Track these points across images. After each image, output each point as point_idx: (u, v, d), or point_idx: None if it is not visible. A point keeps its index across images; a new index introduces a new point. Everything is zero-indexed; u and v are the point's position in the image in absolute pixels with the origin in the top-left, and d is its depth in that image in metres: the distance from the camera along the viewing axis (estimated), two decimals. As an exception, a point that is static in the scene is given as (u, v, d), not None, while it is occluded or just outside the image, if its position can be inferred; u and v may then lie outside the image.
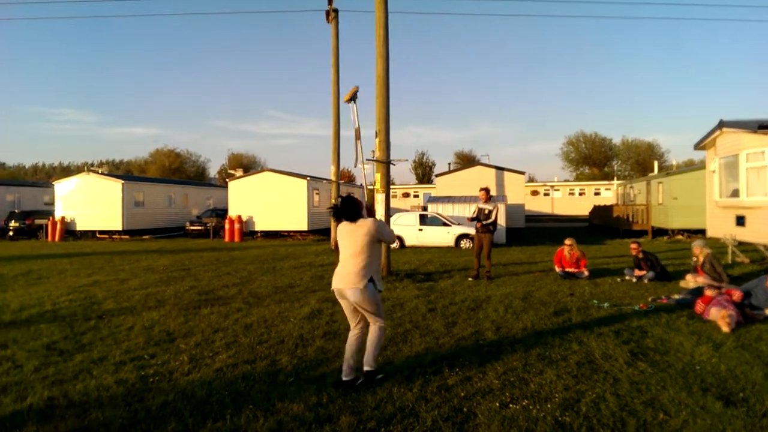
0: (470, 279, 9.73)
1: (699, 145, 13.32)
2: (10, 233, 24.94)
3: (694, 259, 9.21)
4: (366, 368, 4.23)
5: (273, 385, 4.21)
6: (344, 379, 4.15)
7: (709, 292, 6.59)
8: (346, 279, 4.15)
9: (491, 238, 10.02)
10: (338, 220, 4.34)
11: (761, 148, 10.47)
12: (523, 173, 24.05)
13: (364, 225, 4.19)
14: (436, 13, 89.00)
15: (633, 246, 10.08)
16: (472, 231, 17.46)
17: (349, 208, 4.25)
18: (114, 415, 3.64)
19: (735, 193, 11.54)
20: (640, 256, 9.81)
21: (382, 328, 4.30)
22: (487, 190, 10.18)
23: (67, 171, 68.84)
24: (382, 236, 4.24)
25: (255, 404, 3.81)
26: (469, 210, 19.37)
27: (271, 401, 3.87)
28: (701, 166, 18.57)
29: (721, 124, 11.80)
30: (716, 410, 3.60)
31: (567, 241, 10.23)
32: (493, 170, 23.57)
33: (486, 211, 9.95)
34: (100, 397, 3.99)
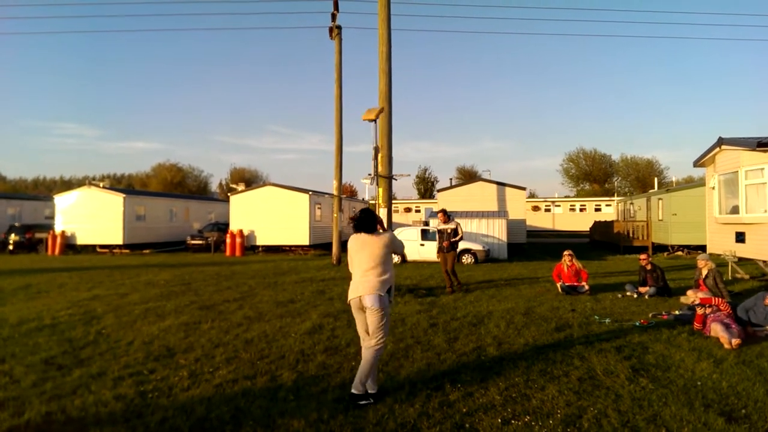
0: (449, 293, 9.98)
1: (698, 162, 13.40)
2: (10, 247, 24.94)
3: (697, 272, 9.22)
4: (352, 390, 4.12)
5: (273, 401, 4.18)
6: (353, 391, 4.12)
7: (699, 311, 6.56)
8: (366, 286, 4.17)
9: (455, 254, 10.57)
10: (356, 232, 4.40)
11: (760, 165, 10.54)
12: (524, 189, 24.11)
13: (383, 237, 4.32)
14: (438, 30, 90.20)
15: (642, 257, 10.21)
16: (474, 246, 17.59)
17: (369, 221, 4.36)
18: None
19: (734, 210, 11.57)
20: (649, 267, 9.87)
21: (379, 350, 4.20)
22: (444, 211, 10.81)
23: (68, 185, 69.00)
24: (396, 248, 4.40)
25: (255, 420, 3.79)
26: (470, 226, 19.40)
27: (272, 417, 3.84)
28: (701, 182, 18.64)
29: (720, 142, 11.89)
30: (718, 427, 3.58)
31: (566, 252, 10.28)
32: (495, 186, 23.65)
33: (449, 231, 10.49)
34: (99, 413, 3.96)
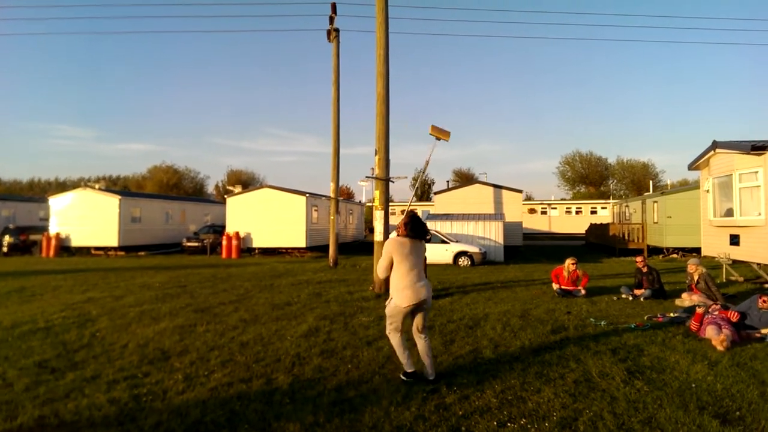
0: None
1: (693, 166, 13.47)
2: (4, 249, 24.77)
3: (689, 277, 9.26)
4: (432, 376, 4.68)
5: (269, 404, 4.17)
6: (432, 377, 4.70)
7: (700, 310, 6.60)
8: (429, 288, 4.69)
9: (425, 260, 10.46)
10: (408, 237, 4.72)
11: (754, 168, 10.61)
12: (520, 191, 24.16)
13: (423, 243, 4.84)
14: (436, 34, 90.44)
15: (638, 259, 10.24)
16: (470, 249, 17.60)
17: (422, 226, 4.84)
18: (107, 435, 3.60)
19: (729, 213, 11.63)
20: (645, 269, 9.89)
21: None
22: (412, 213, 10.65)
23: (63, 186, 68.43)
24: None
25: (250, 424, 3.77)
26: (467, 228, 19.42)
27: (267, 421, 3.83)
28: (695, 185, 18.75)
29: (715, 145, 11.96)
30: (713, 429, 3.59)
31: (570, 260, 10.18)
32: (491, 188, 23.70)
33: None
34: (92, 417, 3.94)
